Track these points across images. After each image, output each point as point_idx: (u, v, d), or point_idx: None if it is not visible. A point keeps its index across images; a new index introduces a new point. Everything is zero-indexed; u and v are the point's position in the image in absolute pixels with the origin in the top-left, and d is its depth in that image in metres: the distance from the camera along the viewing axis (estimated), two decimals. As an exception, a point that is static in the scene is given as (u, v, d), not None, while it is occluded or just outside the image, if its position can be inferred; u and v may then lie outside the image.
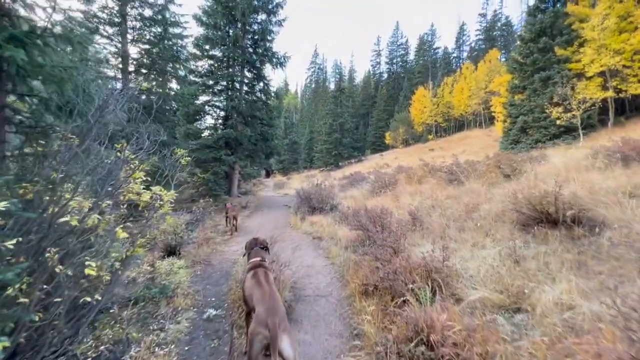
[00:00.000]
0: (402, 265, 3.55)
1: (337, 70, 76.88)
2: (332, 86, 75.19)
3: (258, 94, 17.31)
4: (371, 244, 5.15)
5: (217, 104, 16.70)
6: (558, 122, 18.10)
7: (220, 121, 17.20)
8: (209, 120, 17.58)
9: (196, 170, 15.89)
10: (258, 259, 3.05)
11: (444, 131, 45.85)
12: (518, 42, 24.29)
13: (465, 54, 61.00)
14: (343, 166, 43.35)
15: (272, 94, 17.39)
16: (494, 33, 58.93)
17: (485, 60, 40.05)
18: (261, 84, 17.23)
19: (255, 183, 31.55)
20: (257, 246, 3.34)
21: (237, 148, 16.02)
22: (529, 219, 4.51)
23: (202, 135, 16.29)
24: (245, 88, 17.20)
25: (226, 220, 9.04)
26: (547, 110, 18.63)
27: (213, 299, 4.21)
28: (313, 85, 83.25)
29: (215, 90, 16.33)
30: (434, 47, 66.76)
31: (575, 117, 17.35)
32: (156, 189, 3.22)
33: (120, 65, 11.78)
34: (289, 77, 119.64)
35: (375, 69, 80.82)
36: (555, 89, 18.32)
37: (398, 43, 74.39)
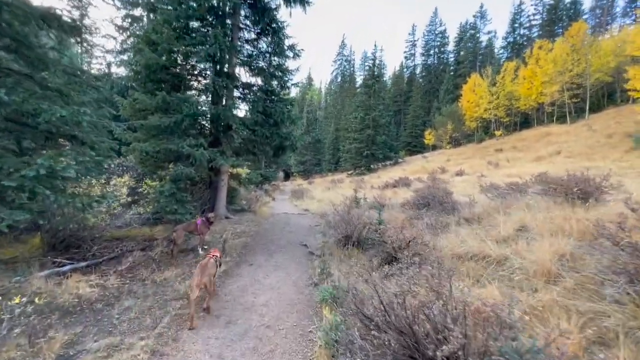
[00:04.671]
0: None
1: (366, 60, 69.18)
2: (359, 81, 67.50)
3: (262, 44, 10.13)
4: None
5: (196, 52, 9.47)
6: None
7: (204, 97, 10.08)
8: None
9: (155, 175, 8.98)
10: None
11: (505, 127, 36.70)
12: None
13: (523, 39, 51.06)
14: (376, 169, 35.52)
15: (286, 48, 10.06)
16: (560, 13, 48.74)
17: (567, 36, 30.95)
18: (268, 28, 10.00)
19: (267, 190, 24.43)
20: None
21: (221, 136, 8.91)
22: None
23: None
24: (242, 34, 10.12)
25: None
26: None
27: None
28: (339, 80, 75.75)
29: (194, 29, 9.22)
30: (482, 32, 57.47)
31: None
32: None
33: None
34: (312, 74, 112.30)
35: (409, 61, 72.37)
36: None
37: (436, 32, 65.95)
